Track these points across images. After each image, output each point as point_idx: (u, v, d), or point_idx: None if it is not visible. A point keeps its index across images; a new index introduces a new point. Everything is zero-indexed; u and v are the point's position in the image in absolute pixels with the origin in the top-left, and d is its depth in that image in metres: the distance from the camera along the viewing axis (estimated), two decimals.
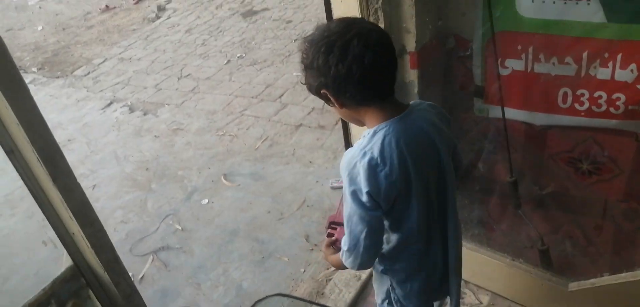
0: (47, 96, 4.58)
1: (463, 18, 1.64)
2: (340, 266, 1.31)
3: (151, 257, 2.51)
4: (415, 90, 1.66)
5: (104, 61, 5.17)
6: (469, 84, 1.79)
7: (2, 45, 0.76)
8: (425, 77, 1.66)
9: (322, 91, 1.10)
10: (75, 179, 0.91)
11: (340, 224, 1.33)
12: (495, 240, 1.97)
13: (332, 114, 3.34)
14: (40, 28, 6.59)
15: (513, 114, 1.75)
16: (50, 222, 0.99)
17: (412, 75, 1.63)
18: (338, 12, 1.52)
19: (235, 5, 5.86)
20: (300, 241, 2.42)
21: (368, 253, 1.19)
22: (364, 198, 1.11)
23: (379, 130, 1.12)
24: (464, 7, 1.61)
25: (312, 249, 2.36)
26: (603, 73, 1.48)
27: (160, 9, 6.27)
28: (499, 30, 1.56)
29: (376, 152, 1.10)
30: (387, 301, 1.43)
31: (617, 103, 1.49)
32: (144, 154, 3.42)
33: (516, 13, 1.52)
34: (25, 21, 6.98)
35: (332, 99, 1.11)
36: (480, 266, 1.94)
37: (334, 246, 1.39)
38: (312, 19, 5.03)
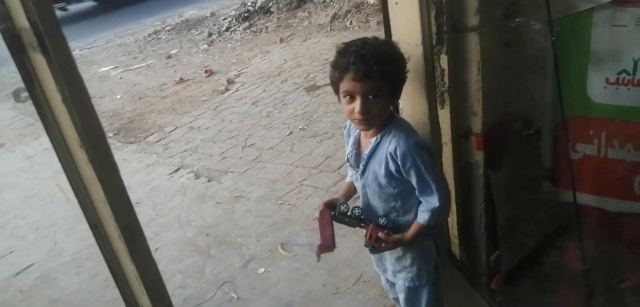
0: (120, 160, 4.87)
1: (532, 102, 1.62)
2: (421, 233, 1.48)
3: None
4: (480, 171, 1.63)
5: (175, 129, 5.47)
6: (537, 166, 1.75)
7: (101, 132, 0.83)
8: (491, 159, 1.63)
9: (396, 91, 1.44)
10: (151, 255, 0.96)
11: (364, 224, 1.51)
12: None
13: None
14: (119, 96, 7.12)
15: (584, 198, 1.68)
16: (122, 295, 1.03)
17: (477, 156, 1.61)
18: (404, 91, 1.54)
19: (299, 80, 6.09)
20: None
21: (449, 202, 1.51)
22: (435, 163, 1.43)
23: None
24: (533, 92, 1.60)
25: None
26: None
27: (230, 82, 6.61)
28: (570, 114, 1.53)
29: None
30: (434, 274, 1.58)
31: None
32: (205, 219, 3.52)
33: (588, 98, 1.49)
34: (106, 90, 7.56)
35: (393, 99, 1.45)
36: None
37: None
38: None
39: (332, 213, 1.58)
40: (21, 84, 0.94)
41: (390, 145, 1.41)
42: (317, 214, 1.61)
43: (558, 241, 1.90)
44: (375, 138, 1.45)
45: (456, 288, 1.80)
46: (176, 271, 3.01)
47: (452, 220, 1.74)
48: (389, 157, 1.41)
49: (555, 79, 1.51)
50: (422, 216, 1.45)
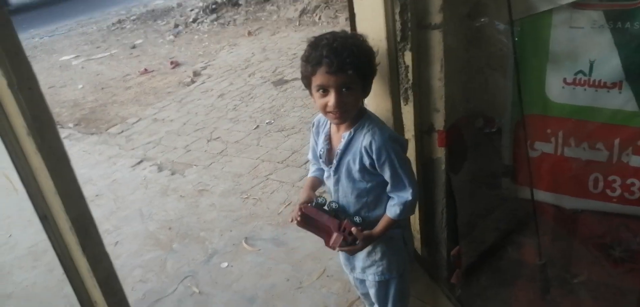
0: (80, 151, 4.72)
1: (493, 99, 1.65)
2: (390, 228, 1.49)
3: None
4: (443, 167, 1.65)
5: (138, 121, 5.34)
6: (497, 163, 1.79)
7: (50, 119, 0.80)
8: (453, 155, 1.66)
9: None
10: (104, 249, 0.93)
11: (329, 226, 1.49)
12: None
13: None
14: (80, 86, 6.89)
15: (542, 195, 1.72)
16: (74, 289, 0.99)
17: (439, 152, 1.63)
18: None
19: (267, 74, 6.05)
20: None
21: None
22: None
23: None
24: (494, 89, 1.63)
25: None
26: (636, 160, 1.45)
27: (196, 74, 6.50)
28: (529, 113, 1.57)
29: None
30: (403, 266, 1.61)
31: None
32: (168, 213, 3.45)
33: (546, 97, 1.52)
34: (67, 79, 7.31)
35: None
36: None
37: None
38: None
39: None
40: None
41: (365, 139, 1.40)
42: (296, 217, 1.55)
43: (516, 237, 1.95)
44: (348, 132, 1.45)
45: (417, 282, 1.83)
46: (137, 265, 2.94)
47: (414, 215, 1.76)
48: (363, 151, 1.41)
49: (515, 78, 1.55)
50: (393, 210, 1.45)
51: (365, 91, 1.44)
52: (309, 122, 4.46)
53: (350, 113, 1.40)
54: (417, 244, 1.82)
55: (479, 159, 1.83)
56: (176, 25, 9.51)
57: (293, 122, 4.55)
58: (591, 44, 1.41)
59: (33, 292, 2.88)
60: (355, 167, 1.44)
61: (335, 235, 1.48)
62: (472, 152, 1.80)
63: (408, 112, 1.58)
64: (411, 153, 1.64)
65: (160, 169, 4.14)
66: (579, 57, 1.44)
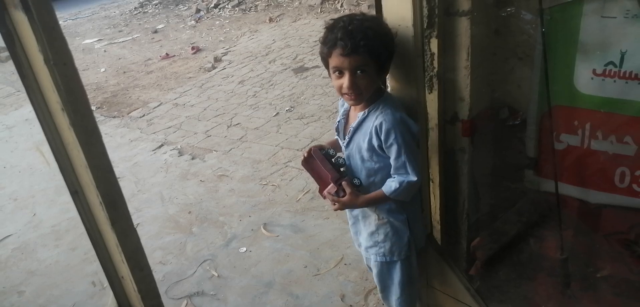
0: (102, 134, 4.78)
1: (518, 90, 1.63)
2: (377, 202, 1.52)
3: (185, 301, 2.52)
4: (466, 157, 1.64)
5: (159, 105, 5.40)
6: (521, 155, 1.76)
7: (84, 95, 0.81)
8: (477, 145, 1.64)
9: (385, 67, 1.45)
10: (132, 224, 0.95)
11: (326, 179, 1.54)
12: None
13: None
14: (103, 70, 7.00)
15: (566, 189, 1.70)
16: (101, 264, 1.02)
17: (463, 142, 1.62)
18: (393, 74, 1.54)
19: (288, 61, 6.05)
20: (336, 300, 2.37)
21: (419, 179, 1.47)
22: (415, 141, 1.47)
23: (399, 101, 1.51)
24: (520, 80, 1.61)
25: None
26: None
27: (217, 60, 6.54)
28: (555, 104, 1.54)
29: (408, 116, 1.45)
30: (407, 251, 1.62)
31: None
32: (188, 197, 3.49)
33: (574, 88, 1.50)
34: (90, 62, 7.43)
35: (383, 74, 1.47)
36: None
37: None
38: None
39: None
40: (1, 43, 0.90)
41: (377, 120, 1.42)
42: (304, 154, 1.61)
43: (538, 230, 1.92)
44: (363, 112, 1.47)
45: (436, 273, 1.82)
46: (157, 247, 2.98)
47: (435, 204, 1.75)
48: (373, 132, 1.43)
49: (542, 69, 1.52)
50: (388, 185, 1.46)
51: (381, 74, 1.45)
52: (329, 110, 4.46)
53: (365, 95, 1.41)
54: (437, 234, 1.81)
55: (502, 150, 1.81)
56: (198, 11, 9.57)
57: (313, 109, 4.56)
58: (623, 34, 1.37)
59: (56, 269, 2.95)
60: (364, 146, 1.47)
61: (330, 185, 1.52)
62: (496, 143, 1.78)
63: (432, 101, 1.56)
64: (434, 142, 1.63)
65: (180, 153, 4.19)
66: (610, 48, 1.41)
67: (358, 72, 1.35)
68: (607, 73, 1.42)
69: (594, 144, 1.55)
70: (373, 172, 1.50)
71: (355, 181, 1.52)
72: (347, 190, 1.49)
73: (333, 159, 1.56)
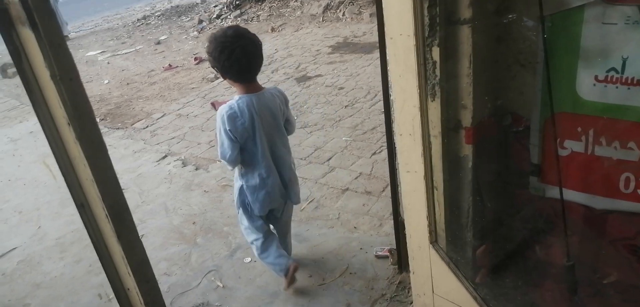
0: (106, 146, 4.83)
1: (521, 97, 1.63)
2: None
3: None
4: (470, 164, 1.64)
5: (162, 116, 5.43)
6: (525, 161, 1.76)
7: (89, 109, 0.82)
8: (480, 153, 1.64)
9: (216, 69, 2.19)
10: (138, 236, 0.95)
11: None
12: None
13: (380, 181, 3.33)
14: (106, 81, 7.04)
15: (571, 195, 1.69)
16: (107, 276, 1.02)
17: (466, 150, 1.62)
18: (396, 84, 1.54)
19: (290, 70, 6.08)
20: None
21: (229, 161, 2.23)
22: (228, 132, 2.14)
23: (242, 98, 2.17)
24: (523, 87, 1.61)
25: None
26: None
27: None
28: (558, 111, 1.54)
29: (238, 110, 2.15)
30: (240, 200, 2.41)
31: None
32: (192, 207, 3.50)
33: (576, 95, 1.50)
34: (93, 74, 7.48)
35: (220, 76, 2.22)
36: None
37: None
38: (363, 86, 5.11)
39: None
40: (8, 59, 0.91)
41: None
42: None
43: (543, 237, 1.92)
44: None
45: (442, 281, 1.82)
46: (161, 258, 2.99)
47: (440, 212, 1.75)
48: None
49: (545, 76, 1.52)
50: None
51: (224, 78, 2.21)
52: (332, 118, 4.47)
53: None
54: (443, 242, 1.80)
55: (506, 157, 1.81)
56: (200, 21, 9.63)
57: (316, 118, 4.57)
58: (624, 40, 1.37)
59: (61, 282, 2.96)
60: None
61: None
62: (500, 150, 1.78)
63: (435, 109, 1.57)
64: (437, 150, 1.63)
65: (184, 164, 4.20)
66: (612, 54, 1.41)
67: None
68: (609, 79, 1.42)
69: (597, 150, 1.55)
70: None
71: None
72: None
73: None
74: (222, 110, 2.13)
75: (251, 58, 2.11)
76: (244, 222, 2.45)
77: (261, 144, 2.21)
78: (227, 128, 2.13)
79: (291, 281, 2.45)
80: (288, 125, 2.38)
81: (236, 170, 2.35)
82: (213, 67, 2.19)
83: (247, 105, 2.15)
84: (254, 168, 2.27)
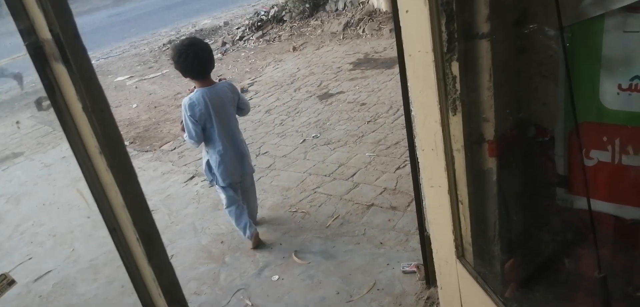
0: (136, 168, 4.93)
1: (544, 108, 1.62)
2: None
3: None
4: (494, 177, 1.63)
5: None
6: (551, 173, 1.74)
7: (120, 138, 0.86)
8: (505, 165, 1.63)
9: (178, 71, 2.91)
10: (168, 259, 0.98)
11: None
12: None
13: (405, 196, 3.32)
14: (134, 105, 7.23)
15: (599, 205, 1.66)
16: (139, 297, 1.05)
17: (490, 163, 1.61)
18: (417, 100, 1.56)
19: (312, 88, 6.13)
20: None
21: (194, 140, 2.95)
22: (189, 117, 2.90)
23: (198, 91, 2.91)
24: (545, 98, 1.60)
25: None
26: None
27: (243, 90, 6.68)
28: (583, 121, 1.52)
29: (195, 100, 2.89)
30: (207, 173, 3.15)
31: None
32: (220, 227, 3.55)
33: (600, 104, 1.48)
34: (122, 99, 7.69)
35: (182, 75, 2.93)
36: None
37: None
38: (385, 101, 5.11)
39: None
40: (43, 93, 0.97)
41: None
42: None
43: (573, 249, 1.88)
44: None
45: (470, 296, 1.80)
46: (191, 278, 3.04)
47: (466, 226, 1.74)
48: None
49: (567, 86, 1.51)
50: None
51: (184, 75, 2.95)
52: (354, 135, 4.49)
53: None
54: (469, 256, 1.79)
55: (532, 169, 1.79)
56: (224, 43, 9.81)
57: (339, 135, 4.59)
58: None
59: (95, 303, 3.04)
60: None
61: None
62: (525, 162, 1.77)
63: (456, 123, 1.57)
64: (461, 164, 1.63)
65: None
66: (634, 63, 1.38)
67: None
68: (633, 88, 1.40)
69: (625, 159, 1.52)
70: None
71: None
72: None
73: None
74: (185, 101, 2.90)
75: (201, 59, 2.84)
76: (221, 195, 3.17)
77: (216, 124, 2.93)
78: (189, 114, 2.88)
79: (256, 243, 3.18)
80: (243, 106, 3.15)
81: (202, 148, 3.08)
82: (176, 69, 2.88)
83: (202, 96, 2.89)
84: (214, 145, 2.98)
